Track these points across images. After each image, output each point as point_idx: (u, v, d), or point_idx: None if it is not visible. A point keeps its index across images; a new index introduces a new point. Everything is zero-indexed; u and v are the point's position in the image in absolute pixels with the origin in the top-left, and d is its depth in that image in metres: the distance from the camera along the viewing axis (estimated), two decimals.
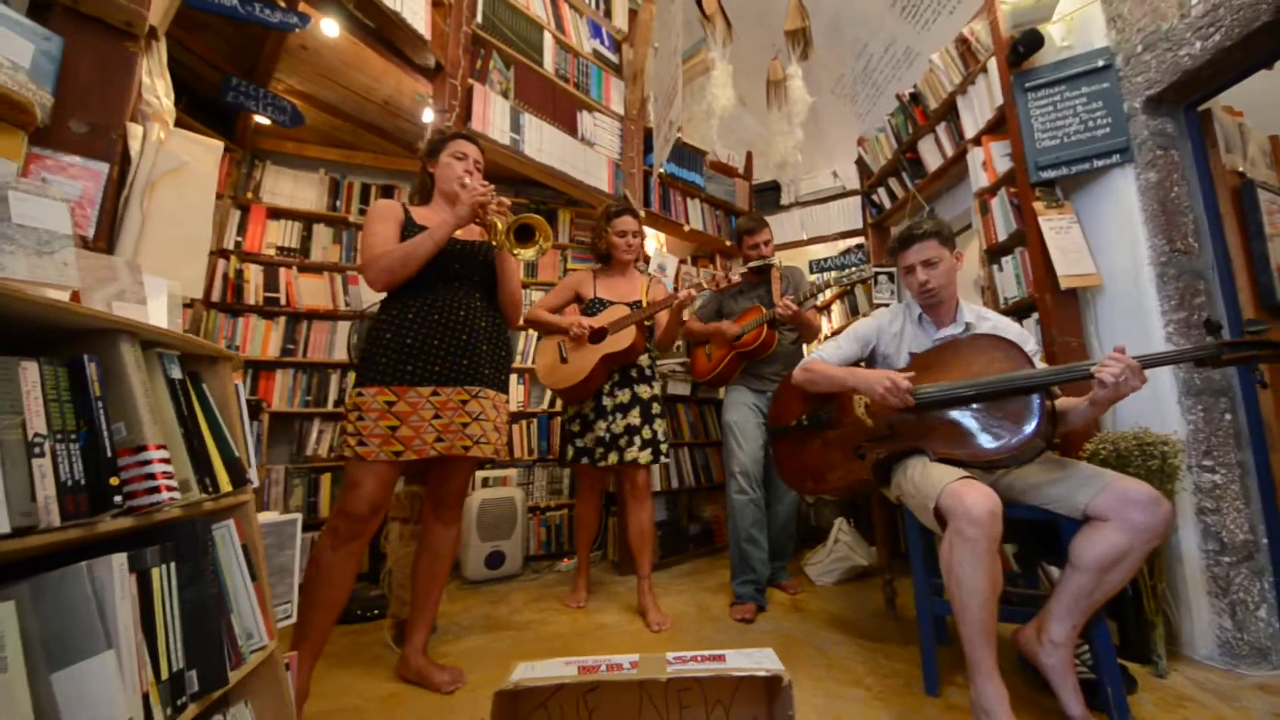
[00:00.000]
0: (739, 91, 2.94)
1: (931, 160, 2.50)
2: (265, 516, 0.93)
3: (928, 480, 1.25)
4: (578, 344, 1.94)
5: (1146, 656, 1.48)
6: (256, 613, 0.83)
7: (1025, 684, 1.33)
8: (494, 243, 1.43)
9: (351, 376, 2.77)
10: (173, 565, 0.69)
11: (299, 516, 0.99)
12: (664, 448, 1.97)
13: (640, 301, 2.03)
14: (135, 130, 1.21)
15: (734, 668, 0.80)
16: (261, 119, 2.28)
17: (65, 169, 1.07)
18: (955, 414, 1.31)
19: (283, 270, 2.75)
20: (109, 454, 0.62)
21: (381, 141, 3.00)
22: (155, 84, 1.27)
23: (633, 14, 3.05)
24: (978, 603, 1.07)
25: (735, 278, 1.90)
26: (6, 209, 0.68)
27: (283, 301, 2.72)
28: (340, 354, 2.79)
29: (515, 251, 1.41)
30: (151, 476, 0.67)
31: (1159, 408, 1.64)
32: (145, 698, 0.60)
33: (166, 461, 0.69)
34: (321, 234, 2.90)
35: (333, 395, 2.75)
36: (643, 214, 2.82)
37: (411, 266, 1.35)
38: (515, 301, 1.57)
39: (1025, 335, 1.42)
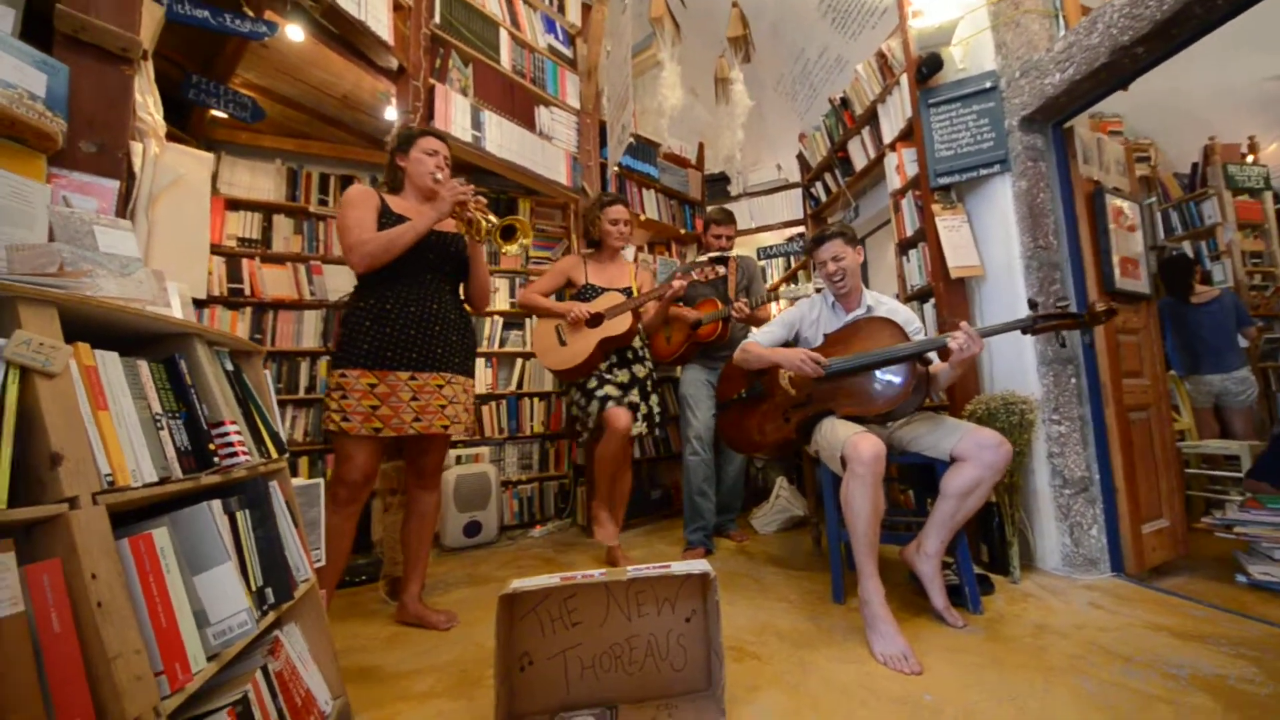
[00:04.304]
0: (690, 82, 3.18)
1: (859, 160, 2.84)
2: (295, 481, 1.16)
3: (834, 435, 1.59)
4: (575, 328, 2.12)
5: (1006, 569, 1.91)
6: (300, 552, 1.07)
7: (910, 591, 1.73)
8: (475, 238, 1.61)
9: (322, 364, 2.91)
10: (248, 511, 0.91)
11: (321, 480, 1.22)
12: (658, 419, 2.24)
13: (630, 287, 2.22)
14: (136, 148, 1.34)
15: (676, 571, 1.10)
16: (219, 114, 2.36)
17: (82, 187, 1.21)
18: (853, 379, 1.67)
19: (245, 261, 2.82)
20: (204, 426, 0.84)
21: (338, 132, 3.07)
22: (147, 101, 1.40)
23: (586, 9, 3.21)
24: (863, 522, 1.43)
25: (721, 270, 2.11)
26: (94, 240, 0.87)
27: (247, 292, 2.81)
28: (308, 342, 2.91)
29: (503, 249, 1.62)
30: (230, 444, 0.89)
31: (1023, 374, 2.06)
32: None
33: (239, 433, 0.91)
34: (282, 224, 2.97)
35: (303, 382, 2.88)
36: None
37: (394, 252, 1.50)
38: (485, 291, 1.76)
39: (911, 317, 1.78)
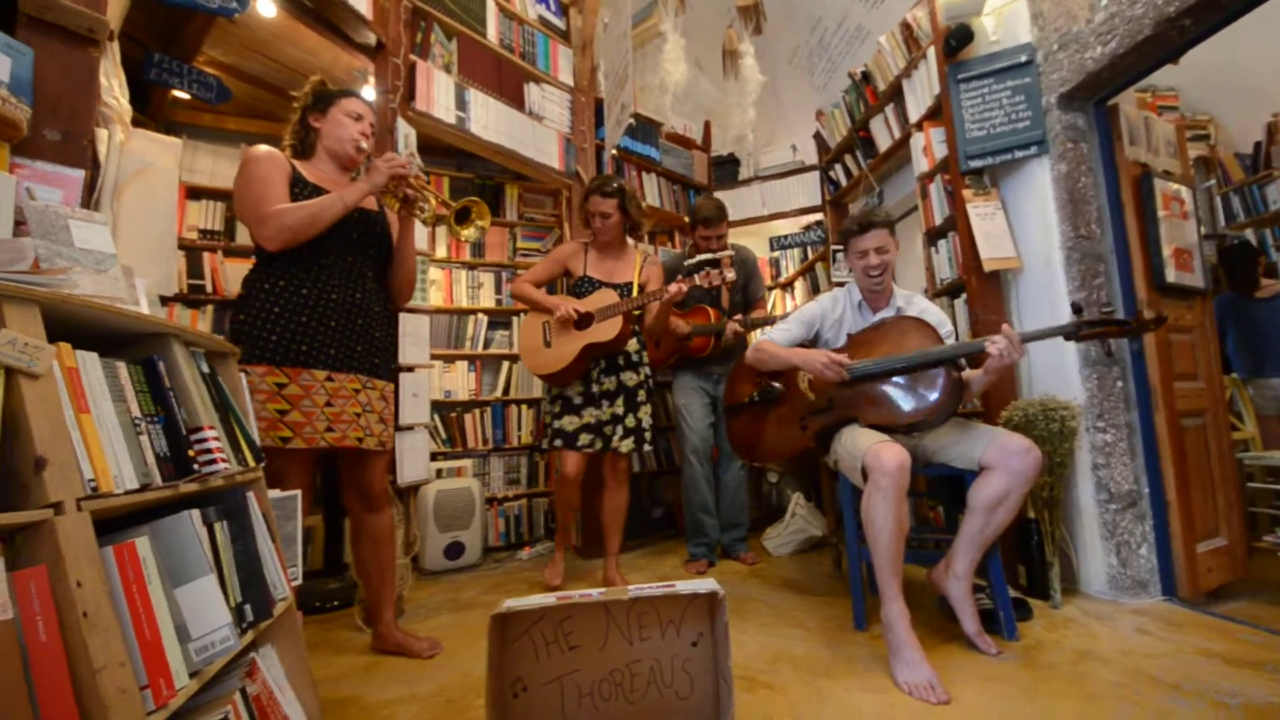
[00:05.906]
0: (696, 56, 3.26)
1: (882, 140, 2.91)
2: (270, 493, 1.21)
3: (856, 444, 1.65)
4: (563, 328, 2.11)
5: (1046, 592, 1.96)
6: (277, 568, 1.12)
7: (939, 616, 1.78)
8: (417, 217, 1.58)
9: None
10: (226, 523, 0.97)
11: (299, 492, 1.28)
12: (647, 435, 2.23)
13: (631, 283, 2.21)
14: (101, 134, 1.41)
15: (681, 591, 1.16)
16: (181, 94, 2.43)
17: (45, 177, 1.28)
18: (880, 385, 1.72)
19: (207, 255, 2.90)
20: (184, 432, 0.90)
21: None
22: (112, 84, 1.47)
23: None
24: (886, 539, 1.48)
25: (730, 276, 2.05)
26: (70, 235, 0.93)
27: (209, 289, 2.88)
28: None
29: (460, 234, 1.62)
30: (209, 451, 0.95)
31: (1064, 377, 2.11)
32: None
33: (218, 439, 0.97)
34: None
35: None
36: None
37: (318, 228, 1.43)
38: (410, 280, 1.72)
39: (944, 319, 1.84)
